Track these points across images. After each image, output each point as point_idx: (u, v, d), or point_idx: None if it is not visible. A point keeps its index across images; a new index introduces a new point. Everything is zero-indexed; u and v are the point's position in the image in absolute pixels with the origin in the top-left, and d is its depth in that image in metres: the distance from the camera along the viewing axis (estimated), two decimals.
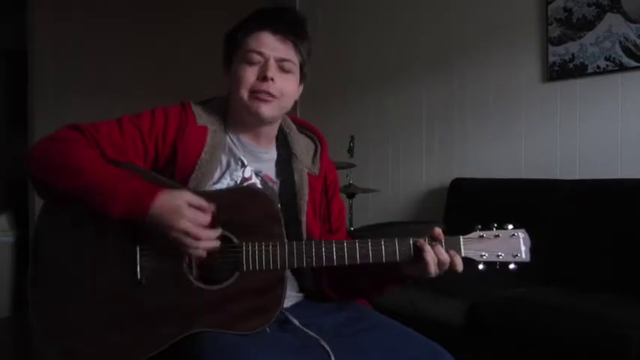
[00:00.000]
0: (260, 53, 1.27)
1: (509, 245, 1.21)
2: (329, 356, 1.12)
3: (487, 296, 2.25)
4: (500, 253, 1.21)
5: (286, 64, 1.29)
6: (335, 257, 1.18)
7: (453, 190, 3.17)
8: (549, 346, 1.96)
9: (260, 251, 1.17)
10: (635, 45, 2.59)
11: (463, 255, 1.20)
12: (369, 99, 3.86)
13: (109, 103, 3.95)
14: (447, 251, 1.18)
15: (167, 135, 1.25)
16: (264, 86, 1.26)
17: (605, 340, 1.82)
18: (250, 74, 1.27)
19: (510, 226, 1.23)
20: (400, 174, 3.68)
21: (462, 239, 1.21)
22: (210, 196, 1.20)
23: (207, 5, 4.45)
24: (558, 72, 2.87)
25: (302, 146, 1.39)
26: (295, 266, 1.18)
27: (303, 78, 1.35)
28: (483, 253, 1.21)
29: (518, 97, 3.05)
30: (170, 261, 1.16)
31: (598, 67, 2.72)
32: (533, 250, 1.22)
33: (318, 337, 1.17)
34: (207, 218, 1.12)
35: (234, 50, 1.30)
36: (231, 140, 1.33)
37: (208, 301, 1.15)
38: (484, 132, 3.21)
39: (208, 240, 1.12)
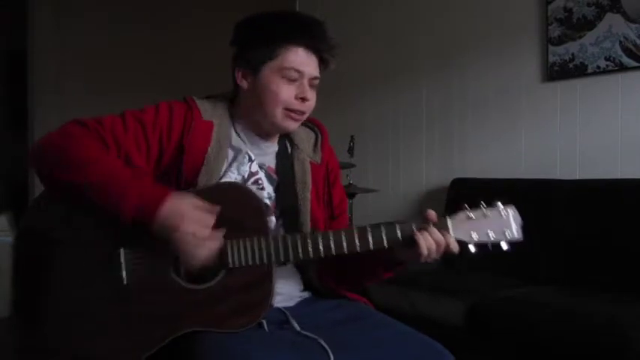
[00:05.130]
0: (299, 72, 1.27)
1: (499, 224, 1.15)
2: (328, 356, 1.12)
3: (487, 296, 2.25)
4: (490, 233, 1.15)
5: (315, 82, 1.30)
6: (322, 248, 1.17)
7: (453, 190, 3.17)
8: (549, 346, 1.96)
9: (245, 247, 1.16)
10: (635, 45, 2.59)
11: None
12: (369, 99, 3.86)
13: (109, 102, 3.92)
14: (441, 232, 1.15)
15: (172, 131, 1.24)
16: (301, 107, 1.28)
17: (605, 340, 1.82)
18: (288, 92, 1.27)
19: (499, 204, 1.17)
20: (400, 174, 3.68)
21: (449, 220, 1.17)
22: (192, 193, 1.19)
23: (207, 4, 4.45)
24: (558, 72, 2.87)
25: (302, 136, 1.40)
26: (282, 260, 1.18)
27: None
28: (473, 234, 1.15)
29: (518, 97, 3.05)
30: (156, 262, 1.16)
31: (598, 67, 2.72)
32: (524, 227, 1.17)
33: (317, 337, 1.16)
34: (212, 220, 1.13)
35: (265, 57, 1.27)
36: (237, 134, 1.33)
37: (196, 301, 1.15)
38: (484, 132, 3.21)
39: (213, 240, 1.13)
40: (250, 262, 1.16)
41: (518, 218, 1.17)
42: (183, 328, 1.14)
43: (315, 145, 1.41)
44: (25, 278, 1.19)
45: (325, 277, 1.35)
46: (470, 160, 3.28)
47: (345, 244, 1.17)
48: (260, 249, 1.16)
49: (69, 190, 1.14)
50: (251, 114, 1.32)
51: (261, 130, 1.34)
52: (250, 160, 1.31)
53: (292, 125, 1.30)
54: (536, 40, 2.97)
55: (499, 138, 3.14)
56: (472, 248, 1.16)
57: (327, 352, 1.12)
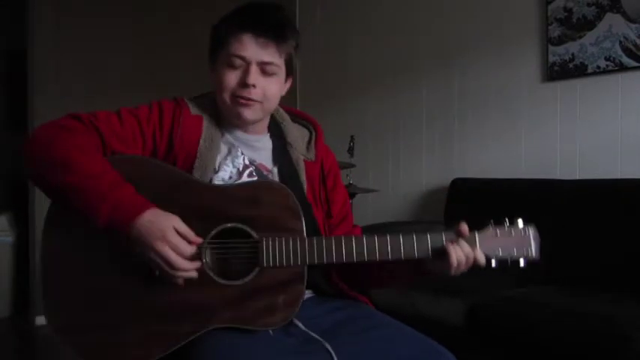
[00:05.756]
0: (241, 57, 1.26)
1: (522, 242, 1.21)
2: (331, 358, 1.12)
3: (487, 296, 2.25)
4: (513, 250, 1.21)
5: (268, 68, 1.27)
6: (355, 253, 1.18)
7: (453, 190, 3.17)
8: (549, 346, 1.96)
9: (280, 246, 1.16)
10: (635, 45, 2.59)
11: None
12: (369, 99, 3.86)
13: (109, 103, 3.93)
14: (470, 246, 1.19)
15: (163, 127, 1.26)
16: (245, 92, 1.26)
17: (605, 340, 1.81)
18: (231, 79, 1.27)
19: (520, 222, 1.23)
20: (400, 174, 3.69)
21: (477, 236, 1.21)
22: (227, 190, 1.21)
23: (207, 4, 4.46)
24: (558, 72, 2.87)
25: (296, 134, 1.40)
26: (316, 262, 1.18)
27: (290, 72, 1.34)
28: (498, 250, 1.21)
29: (518, 97, 3.05)
30: None
31: (598, 67, 2.72)
32: (542, 246, 1.22)
33: (321, 339, 1.17)
34: (190, 249, 1.11)
35: (217, 49, 1.30)
36: (226, 130, 1.34)
37: (228, 297, 1.15)
38: (484, 132, 3.21)
39: (185, 271, 1.11)
40: (284, 263, 1.16)
41: (538, 238, 1.23)
42: (212, 323, 1.13)
43: (309, 143, 1.41)
44: (55, 267, 1.18)
45: (335, 278, 1.35)
46: (470, 160, 3.28)
47: (377, 252, 1.18)
48: (295, 251, 1.16)
49: (52, 189, 1.14)
50: (220, 107, 1.33)
51: (235, 124, 1.33)
52: (242, 153, 1.32)
53: (245, 112, 1.27)
54: (536, 40, 2.97)
55: (499, 138, 3.14)
56: (494, 263, 1.21)
57: (330, 354, 1.12)
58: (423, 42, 3.53)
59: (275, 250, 1.16)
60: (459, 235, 1.20)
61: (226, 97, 1.28)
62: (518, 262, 1.21)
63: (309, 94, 3.70)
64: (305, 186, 1.34)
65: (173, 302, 1.14)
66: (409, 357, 1.14)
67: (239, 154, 1.31)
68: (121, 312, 1.15)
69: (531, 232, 1.22)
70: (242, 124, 1.33)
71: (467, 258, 1.18)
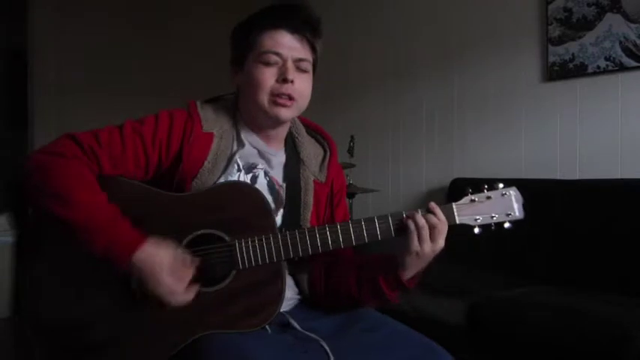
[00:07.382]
0: (277, 54, 1.23)
1: (502, 205, 1.22)
2: (329, 357, 1.12)
3: (487, 296, 2.25)
4: (493, 215, 1.21)
5: (303, 64, 1.26)
6: (330, 241, 1.17)
7: (453, 190, 3.17)
8: (549, 346, 1.96)
9: (254, 246, 1.16)
10: (635, 45, 2.59)
11: (458, 222, 1.20)
12: (369, 99, 3.86)
13: (109, 102, 3.94)
14: (425, 216, 1.16)
15: (171, 143, 1.22)
16: (285, 89, 1.23)
17: (605, 340, 1.81)
18: (269, 76, 1.23)
19: (501, 185, 1.24)
20: (400, 174, 3.68)
21: (454, 206, 1.21)
22: (195, 197, 1.19)
23: (208, 4, 4.46)
24: (558, 72, 2.87)
25: (310, 151, 1.37)
26: (291, 255, 1.17)
27: (314, 74, 1.32)
28: (477, 217, 1.21)
29: (518, 97, 3.05)
30: None
31: (598, 67, 2.72)
32: (525, 206, 1.22)
33: (318, 338, 1.17)
34: (182, 286, 1.11)
35: (246, 49, 1.26)
36: (239, 142, 1.30)
37: (209, 303, 1.15)
38: (484, 132, 3.21)
39: (186, 294, 1.12)
40: (260, 262, 1.15)
41: (520, 197, 1.23)
42: (197, 332, 1.13)
43: (322, 162, 1.38)
44: (33, 286, 1.20)
45: (322, 296, 1.32)
46: (470, 160, 3.28)
47: (352, 235, 1.17)
48: (269, 247, 1.16)
49: (50, 217, 1.13)
50: (248, 110, 1.30)
51: (261, 128, 1.31)
52: (239, 169, 1.27)
53: (283, 112, 1.25)
54: (536, 40, 2.97)
55: (499, 138, 3.14)
56: (476, 230, 1.21)
57: (327, 353, 1.12)
58: (423, 42, 3.53)
59: (249, 251, 1.15)
60: (429, 211, 1.18)
61: (264, 97, 1.24)
62: (502, 225, 1.21)
63: None
64: (311, 208, 1.32)
65: (155, 316, 1.14)
66: (408, 357, 1.14)
67: (234, 170, 1.26)
68: (104, 331, 1.14)
69: (512, 192, 1.23)
70: (271, 126, 1.30)
71: (430, 224, 1.16)
